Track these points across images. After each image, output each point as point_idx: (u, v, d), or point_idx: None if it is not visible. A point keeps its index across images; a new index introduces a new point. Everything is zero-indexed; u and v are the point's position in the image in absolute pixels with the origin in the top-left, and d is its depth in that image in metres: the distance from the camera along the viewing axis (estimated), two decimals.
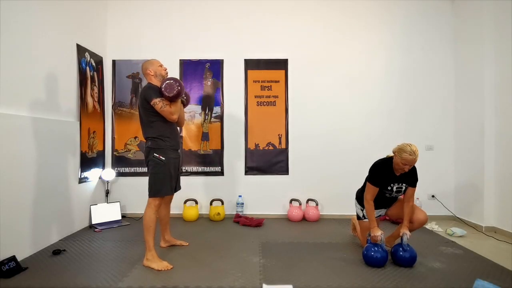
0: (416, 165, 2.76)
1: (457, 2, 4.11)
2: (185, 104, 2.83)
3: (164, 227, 2.96)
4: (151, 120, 2.55)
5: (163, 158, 2.54)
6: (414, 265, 2.51)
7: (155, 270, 2.43)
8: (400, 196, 2.78)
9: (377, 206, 2.72)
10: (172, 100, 2.50)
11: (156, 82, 2.63)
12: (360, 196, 2.83)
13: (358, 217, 2.91)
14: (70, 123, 3.34)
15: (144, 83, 4.13)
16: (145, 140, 2.62)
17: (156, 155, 2.53)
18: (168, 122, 2.59)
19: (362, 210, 2.81)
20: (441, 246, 2.99)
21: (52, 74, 3.08)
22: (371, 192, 2.62)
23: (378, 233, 2.52)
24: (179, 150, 2.75)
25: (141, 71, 2.76)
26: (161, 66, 2.69)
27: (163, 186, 2.54)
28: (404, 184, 2.64)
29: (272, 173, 4.19)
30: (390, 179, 2.61)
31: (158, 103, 2.47)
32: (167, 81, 2.48)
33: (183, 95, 2.69)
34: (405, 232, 2.54)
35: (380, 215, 2.87)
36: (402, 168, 2.49)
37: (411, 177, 2.61)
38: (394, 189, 2.65)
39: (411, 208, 2.62)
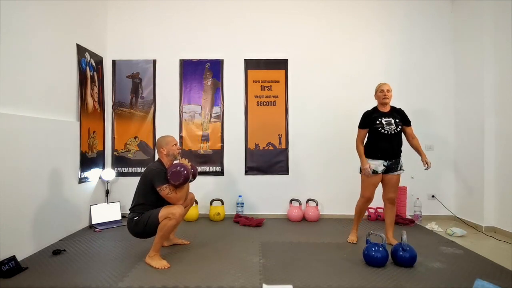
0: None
1: (457, 2, 4.11)
2: (192, 180, 2.80)
3: None
4: (146, 197, 2.55)
5: (141, 213, 2.54)
6: (414, 265, 2.51)
7: (153, 268, 2.45)
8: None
9: (377, 153, 2.90)
10: (178, 186, 2.52)
11: (166, 160, 2.66)
12: (364, 149, 3.00)
13: (360, 170, 3.03)
14: (70, 123, 3.34)
15: (145, 82, 4.18)
16: (131, 209, 2.59)
17: (136, 218, 2.53)
18: (160, 202, 2.56)
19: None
20: (441, 246, 2.99)
21: (52, 74, 3.08)
22: (361, 135, 2.98)
23: (367, 165, 2.87)
24: None
25: (156, 145, 2.79)
26: (175, 145, 2.69)
27: (154, 217, 2.47)
28: (391, 119, 2.88)
29: (272, 173, 4.19)
30: (377, 116, 2.90)
31: (164, 190, 2.48)
32: (174, 169, 2.48)
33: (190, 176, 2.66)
34: (426, 161, 2.90)
35: (381, 170, 2.90)
36: (385, 97, 2.86)
37: (399, 114, 2.94)
38: (384, 122, 2.87)
39: (417, 142, 2.99)
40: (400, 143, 2.93)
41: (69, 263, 2.57)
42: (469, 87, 3.90)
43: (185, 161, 2.63)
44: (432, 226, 3.63)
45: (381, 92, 2.89)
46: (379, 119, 2.88)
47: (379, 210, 3.97)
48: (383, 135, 2.86)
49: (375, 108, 2.99)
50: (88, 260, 2.64)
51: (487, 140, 3.61)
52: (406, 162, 4.09)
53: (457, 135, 4.11)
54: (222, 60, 4.21)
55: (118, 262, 2.60)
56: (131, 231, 2.58)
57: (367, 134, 2.99)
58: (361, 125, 2.98)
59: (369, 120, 2.92)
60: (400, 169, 2.96)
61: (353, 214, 3.16)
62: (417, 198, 3.99)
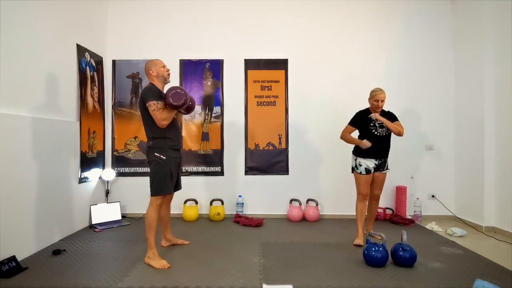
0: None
1: (457, 2, 4.11)
2: (184, 113, 2.79)
3: (165, 226, 2.97)
4: (152, 120, 2.53)
5: (164, 158, 2.54)
6: (414, 265, 2.51)
7: (154, 268, 2.45)
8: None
9: (370, 153, 3.01)
10: (176, 108, 2.49)
11: (157, 83, 2.62)
12: (355, 149, 3.13)
13: (352, 169, 3.16)
14: (70, 123, 3.34)
15: (144, 83, 4.17)
16: (146, 140, 2.63)
17: (157, 154, 2.53)
18: (171, 122, 2.57)
19: (355, 160, 3.09)
20: (441, 246, 2.99)
21: (52, 74, 3.08)
22: (348, 130, 3.12)
23: (364, 140, 2.97)
24: (180, 150, 2.75)
25: (144, 70, 2.74)
26: (163, 67, 2.67)
27: (164, 185, 2.55)
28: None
29: (272, 173, 4.19)
30: (370, 119, 3.02)
31: (152, 106, 2.45)
32: (176, 90, 2.45)
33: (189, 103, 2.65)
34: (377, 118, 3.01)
35: (373, 168, 3.04)
36: (378, 106, 2.98)
37: (390, 118, 3.03)
38: (377, 124, 3.01)
39: (399, 126, 3.01)
40: (389, 144, 3.09)
41: (69, 263, 2.57)
42: (469, 87, 3.89)
43: None
44: (432, 226, 3.63)
45: (376, 102, 2.99)
46: (373, 121, 3.02)
47: (378, 210, 3.97)
48: (376, 136, 3.01)
49: (368, 110, 3.11)
50: (88, 260, 2.64)
51: (487, 140, 3.60)
52: (405, 162, 4.14)
53: (457, 135, 4.11)
54: (222, 60, 4.21)
55: (118, 262, 2.60)
56: (147, 158, 2.61)
57: (353, 132, 3.16)
58: (352, 123, 3.13)
59: (361, 120, 3.08)
60: (387, 168, 3.12)
61: (353, 214, 3.19)
62: (417, 198, 3.99)
